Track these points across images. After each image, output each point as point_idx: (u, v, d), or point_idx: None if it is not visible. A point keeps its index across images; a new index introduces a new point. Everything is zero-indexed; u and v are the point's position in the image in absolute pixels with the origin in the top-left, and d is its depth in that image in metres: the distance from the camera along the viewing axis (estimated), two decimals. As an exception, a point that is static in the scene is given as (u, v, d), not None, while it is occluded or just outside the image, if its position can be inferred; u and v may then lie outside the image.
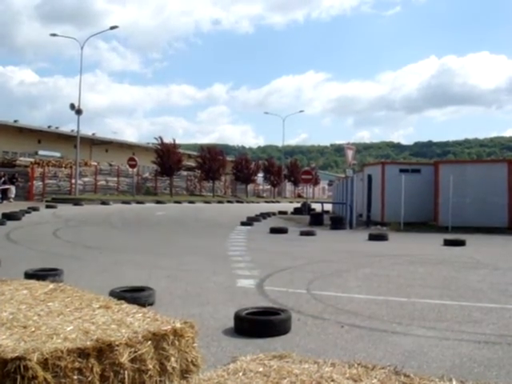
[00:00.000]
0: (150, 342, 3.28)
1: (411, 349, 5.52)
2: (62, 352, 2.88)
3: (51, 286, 4.52)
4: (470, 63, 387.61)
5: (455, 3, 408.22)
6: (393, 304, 7.71)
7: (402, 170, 23.68)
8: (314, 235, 18.76)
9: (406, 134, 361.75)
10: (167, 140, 53.25)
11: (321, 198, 74.20)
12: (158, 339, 3.34)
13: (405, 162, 41.21)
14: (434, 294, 8.46)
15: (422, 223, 22.48)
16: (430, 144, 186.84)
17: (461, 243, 15.88)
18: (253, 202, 56.81)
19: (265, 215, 28.70)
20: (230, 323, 6.12)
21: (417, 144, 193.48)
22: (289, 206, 39.99)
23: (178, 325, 3.49)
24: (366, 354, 5.25)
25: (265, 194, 74.16)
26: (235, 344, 5.54)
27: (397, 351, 5.44)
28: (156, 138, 53.59)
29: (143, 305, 4.86)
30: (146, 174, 56.06)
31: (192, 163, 60.86)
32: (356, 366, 2.95)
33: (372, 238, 17.54)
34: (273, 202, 58.41)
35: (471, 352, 5.44)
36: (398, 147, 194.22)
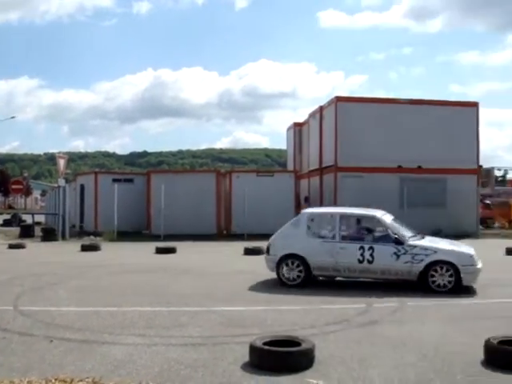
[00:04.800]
0: None
1: (121, 358, 5.57)
2: None
3: None
4: (183, 77, 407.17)
5: (174, 19, 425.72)
6: (103, 314, 7.69)
7: (115, 180, 23.81)
8: (24, 248, 17.95)
9: (121, 143, 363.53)
10: None
11: (34, 208, 70.37)
12: None
13: (119, 172, 41.50)
14: (144, 302, 8.66)
15: (136, 232, 22.80)
16: (145, 154, 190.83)
17: (172, 251, 16.56)
18: None
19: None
20: None
21: (132, 154, 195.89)
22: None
23: None
24: (74, 367, 5.12)
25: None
26: None
27: (106, 361, 5.43)
28: None
29: None
30: None
31: None
32: (53, 381, 2.88)
33: (84, 248, 17.30)
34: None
35: (179, 355, 5.70)
36: (113, 157, 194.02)
